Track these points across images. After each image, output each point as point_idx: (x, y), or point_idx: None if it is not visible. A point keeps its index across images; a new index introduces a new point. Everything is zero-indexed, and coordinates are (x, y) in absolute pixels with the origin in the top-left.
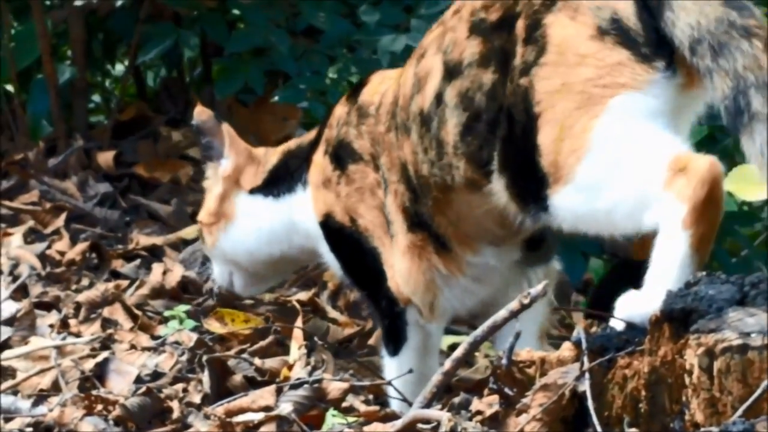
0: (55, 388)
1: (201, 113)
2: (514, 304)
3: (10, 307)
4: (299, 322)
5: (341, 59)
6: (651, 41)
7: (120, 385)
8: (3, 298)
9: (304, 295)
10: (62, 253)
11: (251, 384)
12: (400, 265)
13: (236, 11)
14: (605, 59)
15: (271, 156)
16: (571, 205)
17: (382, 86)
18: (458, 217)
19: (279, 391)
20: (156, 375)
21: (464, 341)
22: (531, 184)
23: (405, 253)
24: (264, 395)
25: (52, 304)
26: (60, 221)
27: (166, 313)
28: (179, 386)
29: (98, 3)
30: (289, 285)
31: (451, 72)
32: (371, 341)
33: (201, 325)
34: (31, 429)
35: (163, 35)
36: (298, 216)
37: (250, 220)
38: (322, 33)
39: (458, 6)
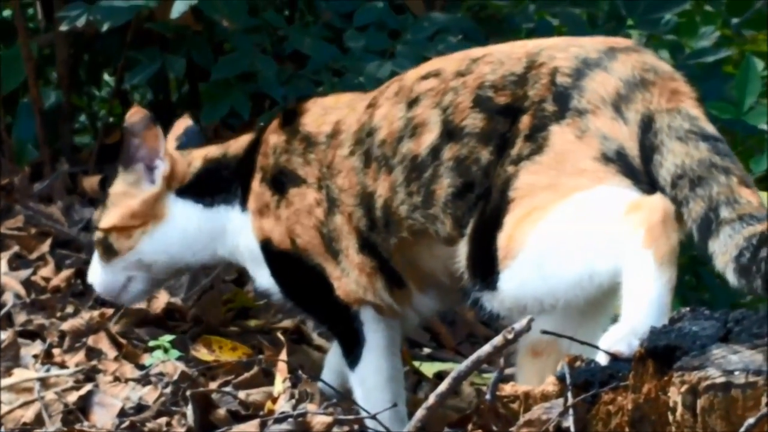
0: (39, 421)
1: (135, 114)
2: (498, 339)
3: None
4: (284, 354)
5: (327, 84)
6: (650, 181)
7: (104, 419)
8: None
9: (289, 323)
10: (47, 280)
11: (235, 418)
12: (353, 273)
13: (223, 35)
14: (605, 179)
15: (192, 159)
16: (522, 272)
17: (330, 116)
18: (417, 259)
19: (263, 425)
20: (140, 408)
21: (448, 376)
22: (486, 262)
23: (356, 267)
24: (248, 429)
25: (36, 333)
26: (45, 247)
27: (151, 343)
28: (163, 420)
29: (84, 27)
30: (274, 312)
31: (450, 134)
32: None
33: (186, 354)
34: None
35: (150, 59)
36: (232, 232)
37: (181, 223)
38: (309, 58)
39: (462, 67)
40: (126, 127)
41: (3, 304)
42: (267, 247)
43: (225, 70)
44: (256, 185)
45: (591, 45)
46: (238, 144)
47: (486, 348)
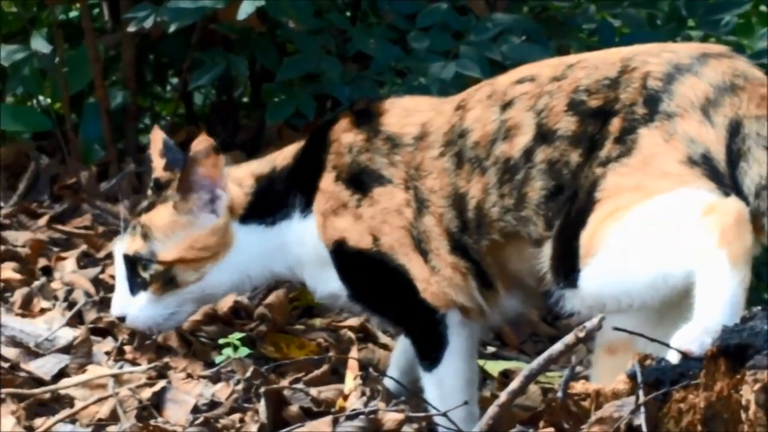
0: (113, 417)
1: (200, 142)
2: (569, 338)
3: (67, 335)
4: (354, 352)
5: (391, 85)
6: (734, 185)
7: (177, 415)
8: (60, 325)
9: (355, 321)
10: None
11: (307, 414)
12: (447, 273)
13: (286, 35)
14: (689, 182)
15: (241, 180)
16: (601, 270)
17: (414, 118)
18: (506, 261)
19: (335, 422)
20: (213, 404)
21: (519, 373)
22: (568, 260)
23: (449, 266)
24: (320, 426)
25: (107, 331)
26: (112, 245)
27: (221, 341)
28: (236, 416)
29: (150, 28)
30: (339, 311)
31: (544, 137)
32: None
33: (255, 352)
34: None
35: (215, 60)
36: (291, 244)
37: (246, 249)
38: (372, 59)
39: (557, 72)
40: (190, 156)
41: (73, 302)
42: (340, 247)
43: (290, 71)
44: (328, 184)
45: (684, 50)
46: (284, 154)
47: (557, 346)
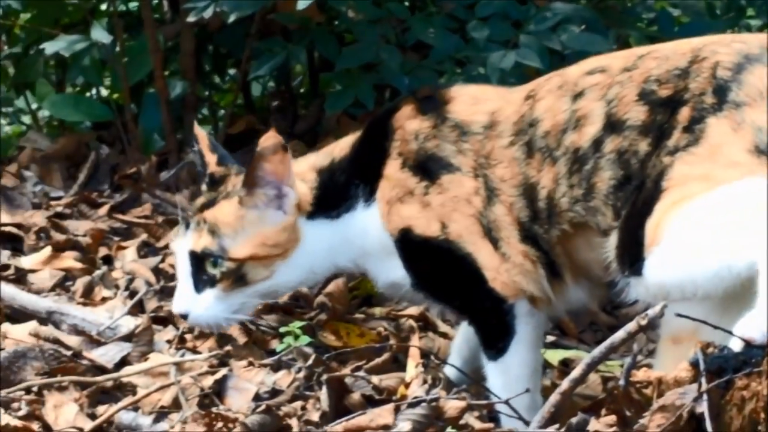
0: (175, 404)
1: (268, 138)
2: (631, 325)
3: (128, 323)
4: (415, 340)
5: (450, 74)
6: None
7: (239, 402)
8: (121, 314)
9: (415, 310)
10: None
11: (369, 402)
12: (516, 259)
13: (344, 25)
14: (756, 171)
15: (303, 175)
16: (665, 258)
17: (482, 106)
18: (575, 250)
19: (397, 410)
20: (274, 392)
21: (581, 361)
22: (633, 249)
23: (520, 254)
24: (382, 414)
25: (167, 319)
26: (171, 238)
27: (282, 329)
28: (298, 404)
29: (209, 18)
30: (399, 299)
31: (613, 126)
32: None
33: (315, 341)
34: None
35: (273, 51)
36: (354, 236)
37: (314, 245)
38: (432, 48)
39: (628, 63)
40: (258, 151)
41: (134, 290)
42: (406, 235)
43: (350, 61)
44: (393, 171)
45: (755, 41)
46: (341, 146)
47: (619, 334)
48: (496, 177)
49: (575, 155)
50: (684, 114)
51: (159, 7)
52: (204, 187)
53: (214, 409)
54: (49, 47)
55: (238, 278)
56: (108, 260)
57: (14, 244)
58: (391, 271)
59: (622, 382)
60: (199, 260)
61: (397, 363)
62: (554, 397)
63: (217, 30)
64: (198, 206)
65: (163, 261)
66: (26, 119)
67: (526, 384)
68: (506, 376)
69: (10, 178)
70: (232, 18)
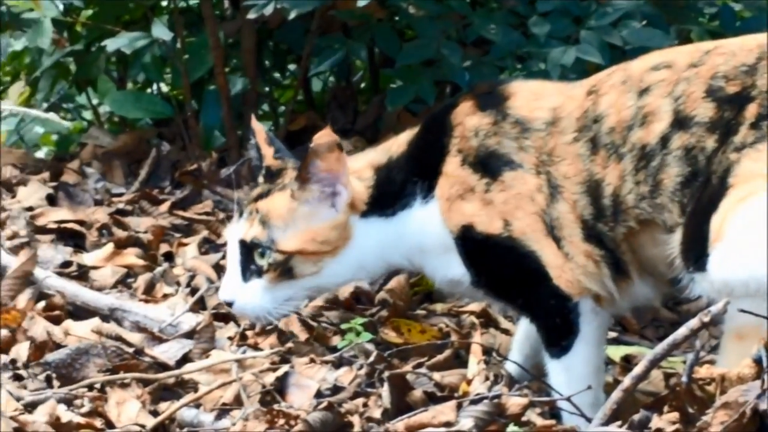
0: (237, 401)
1: (323, 135)
2: (694, 322)
3: (190, 320)
4: (477, 336)
5: (511, 70)
6: None
7: (300, 399)
8: (182, 311)
9: (476, 307)
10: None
11: (431, 399)
12: (580, 261)
13: (405, 21)
14: None
15: (360, 173)
16: (729, 254)
17: (544, 102)
18: (641, 248)
19: (459, 407)
20: (336, 389)
21: (644, 357)
22: (698, 244)
23: (582, 254)
24: (444, 410)
25: (228, 316)
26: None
27: (343, 326)
28: (359, 401)
29: (270, 15)
30: (460, 296)
31: (681, 123)
32: None
33: (377, 337)
34: None
35: (334, 47)
36: (411, 234)
37: (366, 243)
38: (493, 44)
39: (694, 59)
40: (311, 147)
41: (195, 287)
42: (467, 232)
43: (411, 57)
44: (453, 168)
45: None
46: (398, 142)
47: (682, 330)
48: (560, 174)
49: (642, 152)
50: (751, 110)
51: (219, 4)
52: (260, 179)
53: (275, 406)
54: (111, 44)
55: (285, 271)
56: (169, 257)
57: (76, 240)
58: (449, 268)
59: (684, 378)
60: (248, 249)
61: (459, 360)
62: (616, 394)
63: (277, 26)
64: (253, 197)
65: (224, 258)
66: (87, 116)
67: (588, 382)
68: (569, 374)
69: (72, 174)
70: (292, 14)
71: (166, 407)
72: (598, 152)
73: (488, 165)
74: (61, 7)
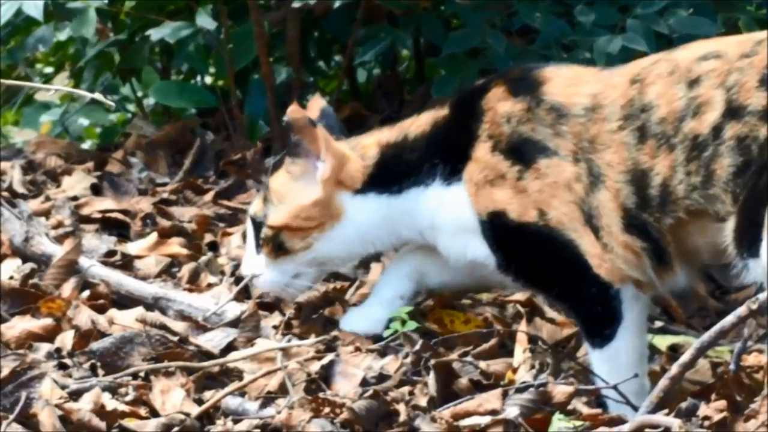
0: (282, 390)
1: (294, 112)
2: (742, 310)
3: (234, 309)
4: (523, 325)
5: (557, 59)
6: None
7: (345, 388)
8: (227, 300)
9: (521, 296)
10: None
11: (476, 387)
12: (618, 251)
13: (450, 10)
14: None
15: (365, 150)
16: None
17: (581, 88)
18: (687, 237)
19: (505, 395)
20: (381, 377)
21: (691, 346)
22: (753, 230)
23: (620, 245)
24: (490, 399)
25: (273, 305)
26: None
27: (391, 314)
28: (405, 389)
29: (315, 4)
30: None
31: (733, 113)
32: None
33: (422, 325)
34: (258, 431)
35: (379, 36)
36: (426, 210)
37: (364, 218)
38: (538, 33)
39: (746, 49)
40: (286, 122)
41: (240, 277)
42: (498, 218)
43: (456, 46)
44: (483, 154)
45: None
46: (419, 122)
47: (729, 318)
48: (603, 162)
49: (694, 142)
50: None
51: None
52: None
53: (320, 395)
54: (155, 34)
55: (276, 246)
56: (213, 246)
57: (120, 230)
58: (468, 249)
59: (732, 366)
60: (255, 225)
61: (504, 348)
62: (663, 382)
63: (322, 15)
64: (270, 173)
65: None
66: (131, 106)
67: (634, 370)
68: (614, 363)
69: (117, 164)
70: (337, 3)
71: (210, 396)
72: (646, 141)
73: (521, 152)
74: None
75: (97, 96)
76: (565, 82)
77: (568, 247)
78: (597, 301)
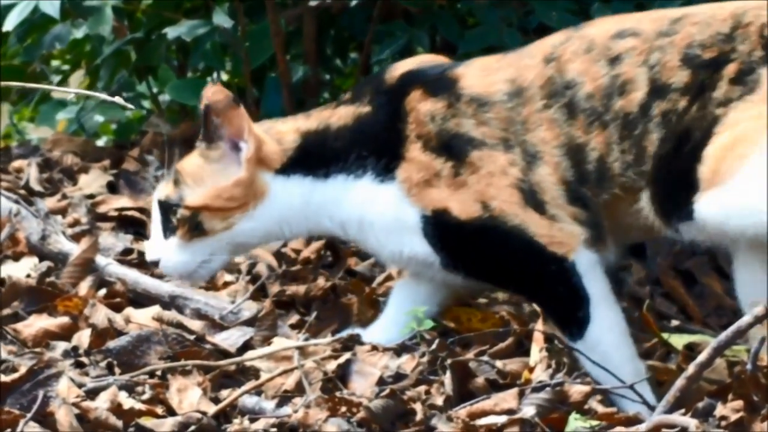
0: (299, 389)
1: (216, 92)
2: (760, 309)
3: (251, 307)
4: (540, 324)
5: None
6: None
7: (363, 387)
8: (243, 298)
9: None
10: (298, 252)
11: (493, 386)
12: (566, 221)
13: (467, 8)
14: None
15: (281, 135)
16: (727, 202)
17: (496, 76)
18: (620, 213)
19: (521, 394)
20: (398, 377)
21: (707, 345)
22: (678, 196)
23: (569, 215)
24: (506, 398)
25: (290, 303)
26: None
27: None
28: (422, 388)
29: (332, 2)
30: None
31: (658, 92)
32: None
33: (439, 324)
34: (275, 429)
35: (396, 34)
36: (354, 203)
37: (286, 200)
38: (554, 31)
39: (662, 27)
40: (206, 105)
41: (257, 275)
42: (441, 218)
43: (472, 44)
44: (416, 154)
45: None
46: (339, 114)
47: (746, 318)
48: (537, 140)
49: (625, 120)
50: (731, 69)
51: None
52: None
53: (337, 394)
54: (171, 32)
55: (194, 227)
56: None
57: (137, 228)
58: (405, 247)
59: (749, 366)
60: (164, 209)
61: (521, 348)
62: (680, 382)
63: (339, 13)
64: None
65: (284, 245)
66: (147, 103)
67: (623, 347)
68: (601, 346)
69: (132, 162)
70: (354, 2)
71: (227, 394)
72: (576, 117)
73: (452, 147)
74: None
75: (117, 99)
76: (479, 74)
77: (516, 233)
78: (558, 281)
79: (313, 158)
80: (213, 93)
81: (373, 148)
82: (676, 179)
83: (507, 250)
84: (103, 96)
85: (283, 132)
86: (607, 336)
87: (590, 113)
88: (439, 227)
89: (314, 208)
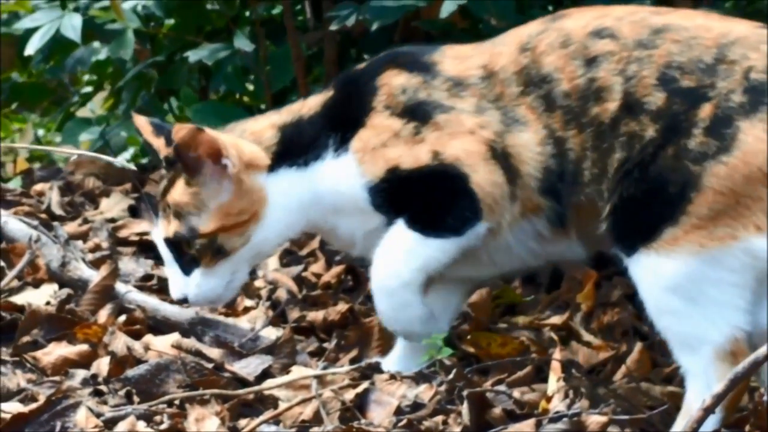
0: (317, 418)
1: (179, 130)
2: None
3: (270, 334)
4: (557, 353)
5: None
6: None
7: (380, 416)
8: (263, 324)
9: (558, 319)
10: (318, 276)
11: (510, 417)
12: (516, 210)
13: (487, 30)
14: None
15: (260, 135)
16: (666, 279)
17: (470, 62)
18: (585, 221)
19: (538, 425)
20: (416, 406)
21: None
22: (633, 233)
23: (529, 207)
24: (523, 428)
25: (310, 330)
26: (315, 243)
27: (424, 341)
28: (439, 418)
29: (353, 25)
30: (542, 308)
31: (630, 108)
32: (627, 366)
33: (459, 349)
34: None
35: None
36: (325, 188)
37: (283, 196)
38: None
39: (642, 36)
40: (176, 145)
41: (276, 301)
42: (390, 176)
43: None
44: (378, 121)
45: None
46: (308, 105)
47: (763, 349)
48: (520, 113)
49: (598, 129)
50: (706, 111)
51: (302, 13)
52: (163, 171)
53: (355, 424)
54: (193, 56)
55: (216, 251)
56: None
57: (157, 253)
58: (366, 223)
59: (766, 397)
60: (175, 245)
61: (541, 374)
62: (698, 414)
63: (360, 36)
64: (161, 192)
65: (305, 270)
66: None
67: (426, 274)
68: (418, 253)
69: (154, 185)
70: (375, 26)
71: (245, 424)
72: (555, 111)
73: (417, 111)
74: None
75: (120, 161)
76: (454, 61)
77: (458, 180)
78: (457, 209)
79: (294, 149)
80: (176, 132)
81: (336, 125)
82: (637, 218)
83: (441, 192)
84: (104, 157)
85: (259, 131)
86: (434, 254)
87: (567, 111)
88: (388, 186)
89: (306, 200)
